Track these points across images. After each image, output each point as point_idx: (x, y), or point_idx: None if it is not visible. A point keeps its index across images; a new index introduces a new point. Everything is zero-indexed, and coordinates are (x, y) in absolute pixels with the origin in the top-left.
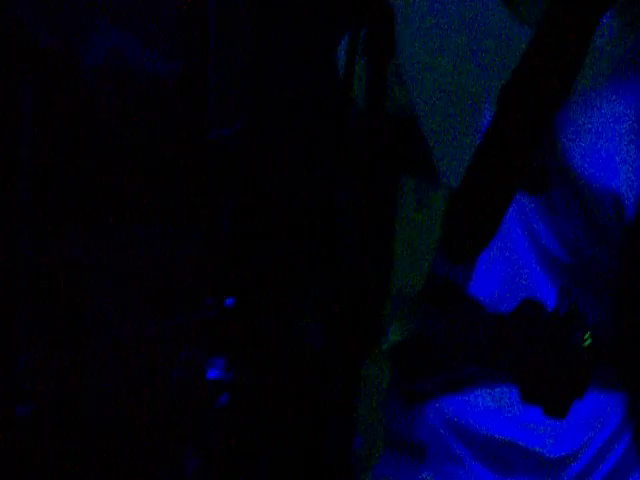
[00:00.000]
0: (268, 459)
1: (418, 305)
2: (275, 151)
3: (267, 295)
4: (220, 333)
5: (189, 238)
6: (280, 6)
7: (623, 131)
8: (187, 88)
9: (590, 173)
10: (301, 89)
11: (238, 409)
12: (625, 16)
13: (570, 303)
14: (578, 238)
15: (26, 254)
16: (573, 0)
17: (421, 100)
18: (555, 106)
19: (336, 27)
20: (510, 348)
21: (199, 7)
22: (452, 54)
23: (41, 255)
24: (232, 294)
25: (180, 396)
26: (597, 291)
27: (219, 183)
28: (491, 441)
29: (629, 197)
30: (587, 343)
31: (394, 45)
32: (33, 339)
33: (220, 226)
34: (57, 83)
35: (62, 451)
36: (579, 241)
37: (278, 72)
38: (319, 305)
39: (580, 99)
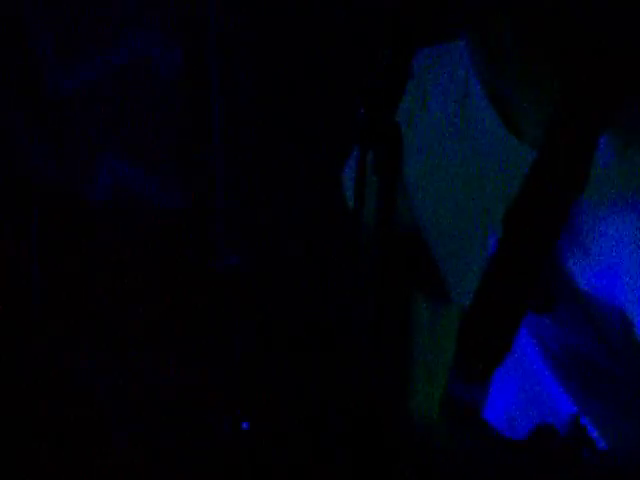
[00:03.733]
0: None
1: (435, 428)
2: (282, 278)
3: (282, 421)
4: (235, 459)
5: (201, 367)
6: (287, 137)
7: (627, 249)
8: (193, 219)
9: (595, 291)
10: (306, 211)
11: None
12: (624, 133)
13: (579, 425)
14: (589, 352)
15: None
16: (572, 121)
17: (428, 220)
18: (560, 227)
19: (340, 147)
20: (525, 476)
21: (203, 139)
22: (455, 175)
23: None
24: (247, 419)
25: None
26: (614, 404)
27: (228, 312)
28: None
29: (635, 314)
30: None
31: (402, 165)
32: None
33: (232, 354)
34: (62, 219)
35: None
36: (591, 355)
37: (282, 199)
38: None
39: (583, 219)
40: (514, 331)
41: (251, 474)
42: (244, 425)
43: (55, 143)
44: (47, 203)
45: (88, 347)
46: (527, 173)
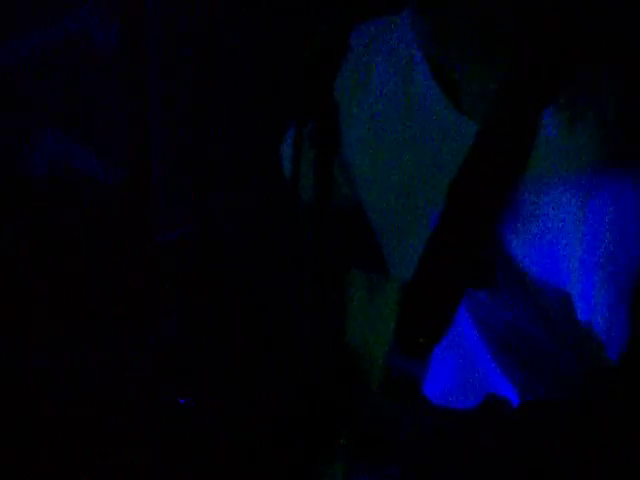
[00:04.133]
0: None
1: (375, 400)
2: (222, 250)
3: (221, 396)
4: (173, 436)
5: (136, 343)
6: (220, 109)
7: (568, 225)
8: (132, 193)
9: (535, 267)
10: (246, 185)
11: None
12: (567, 109)
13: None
14: (527, 329)
15: None
16: (517, 95)
17: (369, 195)
18: (502, 200)
19: (279, 121)
20: (474, 447)
21: (140, 112)
22: (398, 149)
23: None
24: (185, 395)
25: None
26: (551, 382)
27: (166, 286)
28: None
29: (574, 289)
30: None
31: (339, 139)
32: None
33: (168, 331)
34: (3, 195)
35: None
36: (528, 332)
37: (221, 173)
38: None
39: (525, 193)
40: (455, 306)
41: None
42: (181, 401)
43: None
44: None
45: (26, 326)
46: (470, 147)
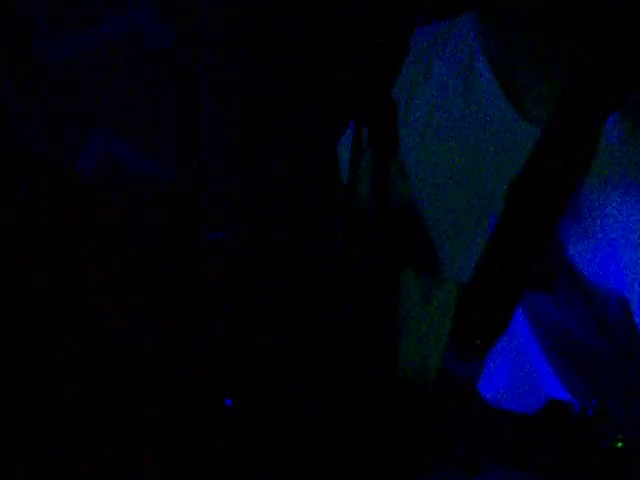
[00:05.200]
0: None
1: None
2: (270, 251)
3: (266, 396)
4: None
5: (186, 341)
6: (271, 109)
7: (628, 232)
8: (181, 193)
9: (595, 273)
10: (296, 186)
11: None
12: (632, 116)
13: (598, 404)
14: (585, 334)
15: None
16: (580, 100)
17: (426, 196)
18: (563, 205)
19: (332, 122)
20: (539, 450)
21: (192, 112)
22: (457, 150)
23: None
24: (231, 395)
25: None
26: (608, 388)
27: (216, 285)
28: None
29: (634, 297)
30: (619, 445)
31: (398, 139)
32: None
33: (216, 329)
34: (52, 188)
35: None
36: (586, 337)
37: (271, 174)
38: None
39: (586, 199)
40: (512, 308)
41: (236, 450)
42: (227, 402)
43: (45, 113)
44: (36, 172)
45: (77, 313)
46: (531, 151)
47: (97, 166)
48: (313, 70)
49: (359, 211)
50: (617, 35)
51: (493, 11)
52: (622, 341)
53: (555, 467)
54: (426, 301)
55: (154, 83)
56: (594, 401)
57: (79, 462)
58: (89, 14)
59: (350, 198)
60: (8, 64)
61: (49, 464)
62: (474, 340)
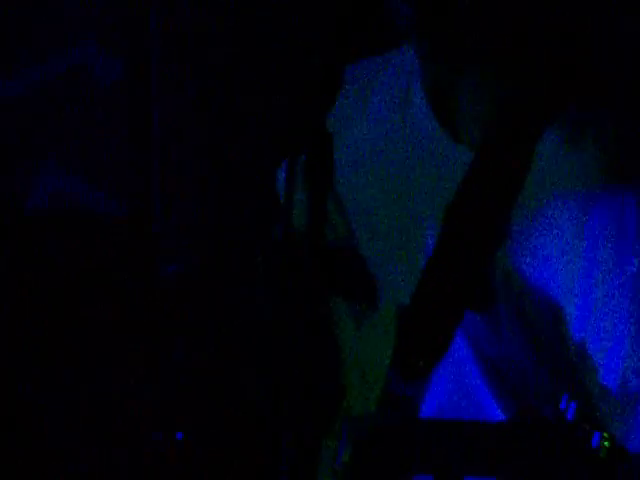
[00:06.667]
0: None
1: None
2: (222, 285)
3: (217, 430)
4: (170, 467)
5: (140, 374)
6: (223, 141)
7: (565, 241)
8: (133, 228)
9: (532, 289)
10: (250, 217)
11: None
12: (566, 132)
13: (579, 406)
14: (520, 355)
15: None
16: (513, 118)
17: (362, 221)
18: (500, 224)
19: (276, 152)
20: (518, 458)
21: (143, 146)
22: (393, 175)
23: None
24: (182, 429)
25: None
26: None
27: (170, 319)
28: None
29: (569, 313)
30: (606, 444)
31: (333, 170)
32: None
33: (171, 362)
34: (1, 226)
35: None
36: (521, 358)
37: (223, 206)
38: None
39: (523, 211)
40: (454, 328)
41: None
42: (178, 435)
43: None
44: None
45: (24, 357)
46: (467, 171)
47: (48, 202)
48: (262, 102)
49: (297, 241)
50: (548, 52)
51: (431, 30)
52: (554, 361)
53: (538, 474)
54: (365, 328)
55: (104, 117)
56: (573, 404)
57: None
58: (37, 50)
59: (286, 227)
60: None
61: None
62: (417, 362)
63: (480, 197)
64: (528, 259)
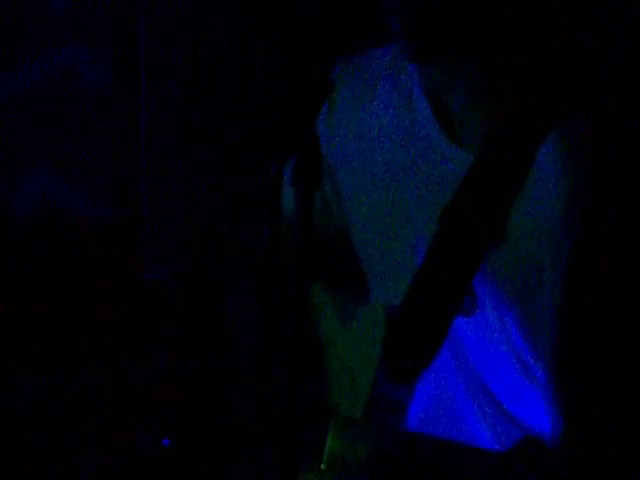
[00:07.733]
0: None
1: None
2: (210, 289)
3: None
4: (155, 473)
5: (125, 378)
6: (211, 147)
7: (557, 255)
8: (120, 231)
9: (515, 293)
10: (234, 221)
11: None
12: (566, 141)
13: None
14: (502, 365)
15: None
16: (514, 124)
17: (357, 219)
18: (496, 230)
19: (265, 156)
20: None
21: (130, 150)
22: (388, 178)
23: None
24: (169, 434)
25: None
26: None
27: (156, 323)
28: None
29: (554, 317)
30: None
31: (321, 174)
32: None
33: (157, 367)
34: None
35: None
36: (503, 369)
37: (211, 210)
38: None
39: (518, 223)
40: (444, 331)
41: None
42: (164, 441)
43: None
44: None
45: (13, 360)
46: (465, 175)
47: (33, 207)
48: (251, 105)
49: (286, 245)
50: (549, 60)
51: (420, 38)
52: (534, 371)
53: None
54: (354, 329)
55: (91, 121)
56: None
57: None
58: (24, 53)
59: (272, 232)
60: None
61: None
62: (405, 364)
63: (477, 200)
64: (518, 264)
